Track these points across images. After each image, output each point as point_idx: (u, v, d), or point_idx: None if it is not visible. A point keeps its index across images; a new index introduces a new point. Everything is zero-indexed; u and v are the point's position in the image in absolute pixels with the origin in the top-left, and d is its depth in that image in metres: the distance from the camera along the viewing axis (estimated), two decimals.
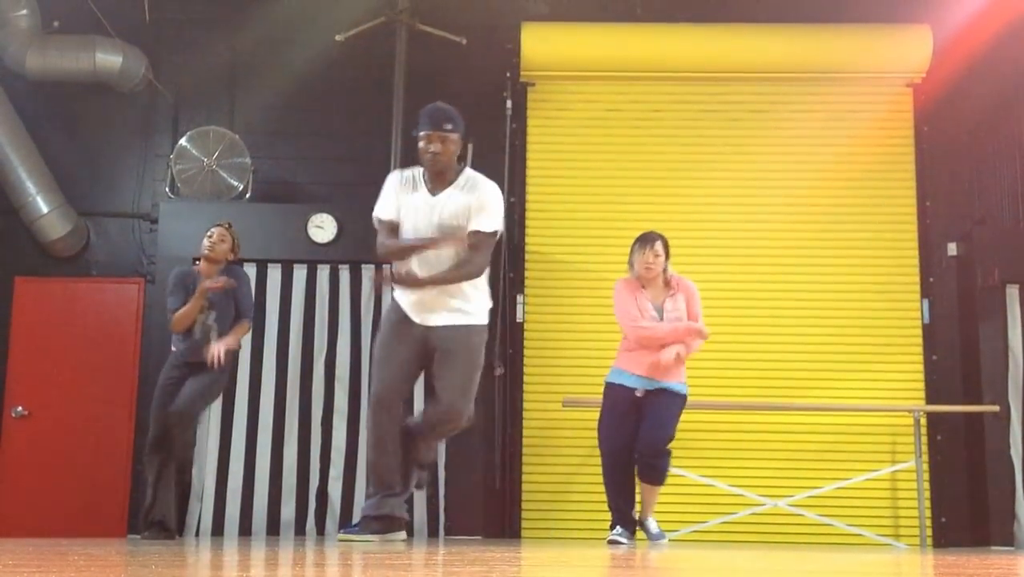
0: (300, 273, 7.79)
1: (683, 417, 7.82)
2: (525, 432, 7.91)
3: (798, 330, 8.03)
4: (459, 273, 4.96)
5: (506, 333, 7.91)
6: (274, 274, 7.77)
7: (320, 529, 7.44)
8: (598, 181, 8.26)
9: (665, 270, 5.99)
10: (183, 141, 7.94)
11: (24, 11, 8.04)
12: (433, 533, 7.42)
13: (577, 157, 8.31)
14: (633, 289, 6.03)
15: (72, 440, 7.89)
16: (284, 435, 7.55)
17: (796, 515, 7.60)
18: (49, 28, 8.26)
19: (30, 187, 7.94)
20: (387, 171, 7.99)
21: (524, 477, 7.82)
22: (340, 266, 7.80)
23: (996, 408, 7.58)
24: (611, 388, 6.02)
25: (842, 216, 8.16)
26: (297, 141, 8.38)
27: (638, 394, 5.92)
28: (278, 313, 7.72)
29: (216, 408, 7.54)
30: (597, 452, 7.76)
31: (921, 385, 7.97)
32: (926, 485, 7.63)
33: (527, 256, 8.17)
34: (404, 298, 5.09)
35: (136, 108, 8.44)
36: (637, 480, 6.04)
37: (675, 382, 5.98)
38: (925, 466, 7.69)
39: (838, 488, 7.43)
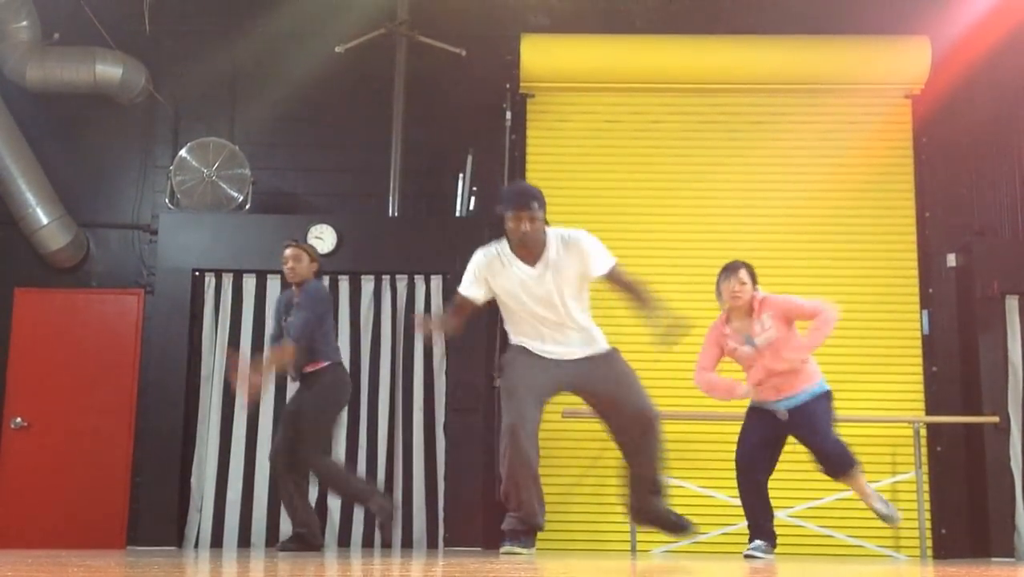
0: None
1: (683, 428, 7.88)
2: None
3: None
4: (648, 296, 5.21)
5: (505, 344, 7.88)
6: (273, 285, 7.77)
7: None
8: (597, 192, 8.26)
9: (754, 297, 5.84)
10: (183, 152, 7.95)
11: (24, 23, 8.06)
12: (432, 545, 7.41)
13: (576, 168, 8.32)
14: (718, 328, 5.99)
15: (71, 451, 7.88)
16: None
17: (797, 526, 7.58)
18: (49, 40, 8.27)
19: (30, 198, 7.95)
20: (387, 182, 8.10)
21: None
22: (339, 277, 7.81)
23: (996, 419, 7.58)
24: (752, 411, 6.02)
25: (841, 227, 8.16)
26: (297, 152, 8.39)
27: (781, 417, 5.86)
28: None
29: (215, 419, 7.55)
30: (597, 463, 7.82)
31: (921, 396, 7.97)
32: (926, 496, 7.62)
33: None
34: (532, 344, 5.19)
35: (136, 119, 8.45)
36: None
37: (809, 386, 5.86)
38: (925, 477, 7.67)
39: (838, 499, 7.41)
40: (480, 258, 5.16)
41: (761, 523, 5.94)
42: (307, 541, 6.27)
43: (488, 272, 5.10)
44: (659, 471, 5.25)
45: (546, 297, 5.04)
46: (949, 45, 8.13)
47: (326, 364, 6.28)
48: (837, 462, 5.79)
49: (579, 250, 5.05)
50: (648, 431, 5.22)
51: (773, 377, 5.80)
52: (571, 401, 7.64)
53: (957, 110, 8.16)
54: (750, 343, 5.83)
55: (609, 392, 5.20)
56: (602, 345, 5.22)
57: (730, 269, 5.90)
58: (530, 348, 5.15)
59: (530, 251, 5.02)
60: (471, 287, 5.15)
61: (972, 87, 8.13)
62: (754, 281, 5.88)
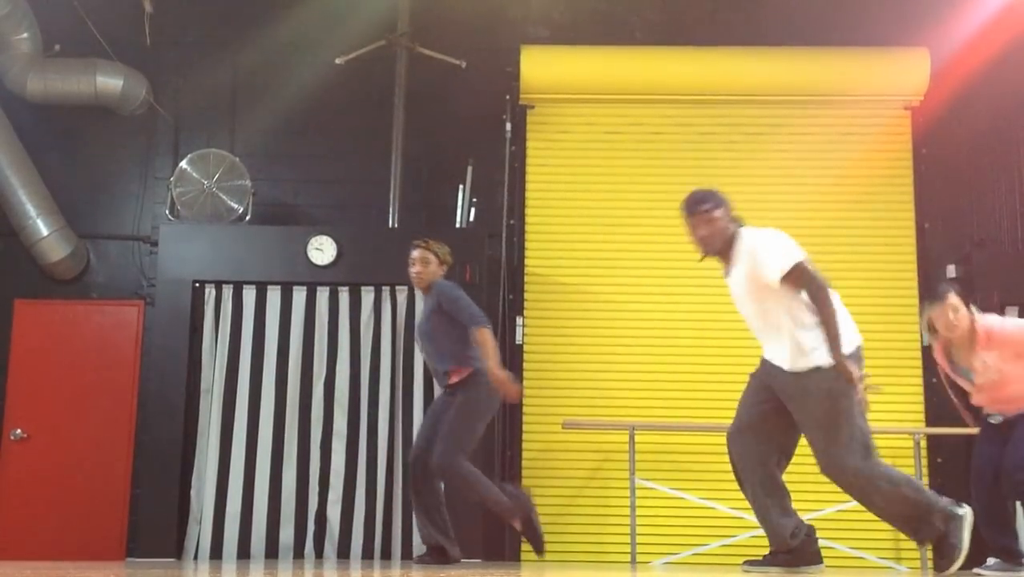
0: (299, 296, 7.78)
1: (683, 439, 7.87)
2: (524, 454, 7.90)
3: None
4: (826, 310, 4.58)
5: (505, 355, 7.89)
6: (273, 297, 7.77)
7: (319, 552, 7.41)
8: (597, 203, 8.28)
9: (973, 322, 5.27)
10: (183, 164, 7.95)
11: (25, 35, 8.07)
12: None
13: (576, 179, 8.33)
14: (937, 351, 5.51)
15: (71, 462, 7.87)
16: (283, 458, 7.53)
17: None
18: (50, 52, 8.29)
19: (30, 209, 7.96)
20: (387, 193, 8.11)
21: None
22: (340, 288, 7.80)
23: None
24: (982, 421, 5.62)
25: (841, 238, 8.16)
26: (297, 164, 8.40)
27: (993, 421, 5.46)
28: (277, 335, 7.71)
29: (215, 430, 7.54)
30: (597, 474, 7.82)
31: (921, 407, 7.96)
32: None
33: (526, 278, 8.18)
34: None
35: (137, 131, 8.46)
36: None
37: None
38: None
39: (839, 510, 7.39)
40: None
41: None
42: (446, 554, 5.99)
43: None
44: (900, 521, 4.65)
45: (739, 300, 4.80)
46: (948, 57, 8.15)
47: (473, 369, 5.86)
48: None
49: (750, 257, 4.65)
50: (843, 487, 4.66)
51: (996, 404, 5.42)
52: (570, 412, 7.69)
53: (956, 121, 8.18)
54: (967, 377, 5.41)
55: (798, 421, 4.70)
56: (809, 361, 4.59)
57: (937, 297, 5.33)
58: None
59: (724, 256, 4.77)
60: None
61: (971, 98, 8.14)
62: (967, 303, 5.30)
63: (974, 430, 7.58)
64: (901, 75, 8.30)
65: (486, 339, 5.73)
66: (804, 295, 4.60)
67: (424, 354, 6.15)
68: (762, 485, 4.81)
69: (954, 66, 8.13)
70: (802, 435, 4.84)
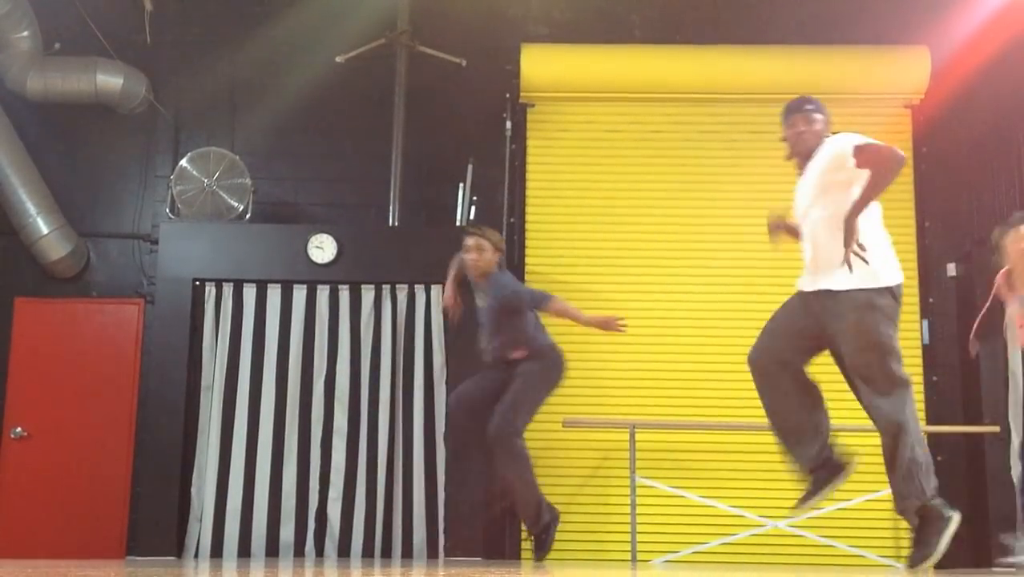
0: (300, 294, 7.79)
1: (684, 437, 7.87)
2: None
3: None
4: (885, 169, 4.46)
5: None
6: (274, 295, 7.78)
7: (319, 551, 7.42)
8: (597, 201, 8.27)
9: None
10: (183, 162, 7.95)
11: (25, 33, 8.07)
12: (433, 554, 7.40)
13: (576, 177, 8.33)
14: (998, 283, 5.65)
15: (71, 461, 7.87)
16: (283, 456, 7.54)
17: (797, 536, 7.56)
18: (50, 50, 8.29)
19: (30, 208, 7.95)
20: (387, 191, 8.11)
21: None
22: (340, 287, 7.81)
23: (996, 429, 7.56)
24: None
25: None
26: (297, 162, 8.40)
27: None
28: (278, 334, 7.72)
29: (215, 429, 7.55)
30: (597, 472, 7.81)
31: (921, 406, 7.95)
32: None
33: (527, 275, 8.17)
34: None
35: (137, 129, 8.46)
36: None
37: None
38: None
39: (839, 509, 7.40)
40: None
41: None
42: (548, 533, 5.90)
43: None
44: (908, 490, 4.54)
45: (803, 205, 4.77)
46: (949, 55, 8.14)
47: (540, 345, 5.92)
48: None
49: (826, 152, 4.66)
50: (887, 439, 4.55)
51: None
52: (571, 410, 7.68)
53: (957, 120, 8.17)
54: None
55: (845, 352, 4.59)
56: (863, 281, 4.55)
57: (1010, 224, 5.56)
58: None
59: (803, 157, 4.81)
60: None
61: (972, 97, 8.13)
62: None
63: (975, 429, 7.61)
64: (901, 73, 8.29)
65: (564, 306, 5.87)
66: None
67: (486, 341, 6.09)
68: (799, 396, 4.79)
69: (954, 64, 8.11)
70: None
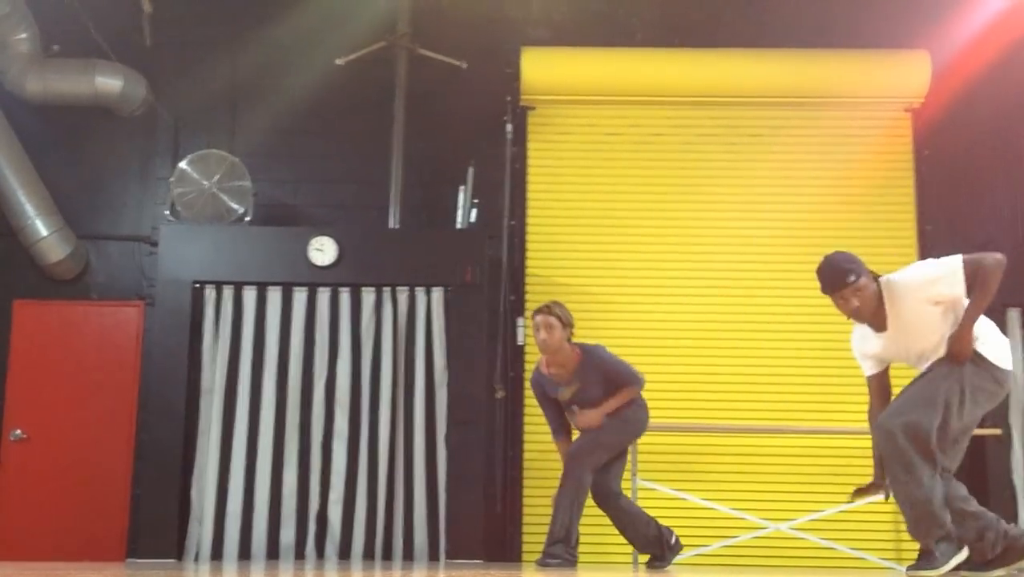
0: (300, 296, 7.78)
1: (685, 440, 7.87)
2: (526, 455, 7.89)
3: (799, 353, 8.02)
4: (990, 276, 4.44)
5: (507, 356, 7.91)
6: (274, 297, 7.76)
7: (320, 553, 7.40)
8: (598, 204, 8.27)
9: None
10: (183, 164, 7.94)
11: (24, 35, 8.06)
12: (434, 556, 7.38)
13: (577, 180, 8.33)
14: None
15: (71, 463, 7.85)
16: (284, 458, 7.53)
17: (798, 539, 7.56)
18: (49, 52, 8.28)
19: (29, 210, 7.94)
20: (387, 194, 8.10)
21: (525, 500, 7.80)
22: (340, 289, 7.79)
23: (998, 431, 7.58)
24: None
25: (842, 241, 8.08)
26: (298, 164, 8.39)
27: None
28: (278, 336, 7.71)
29: (216, 431, 7.53)
30: None
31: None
32: None
33: (527, 279, 8.17)
34: None
35: (136, 131, 8.45)
36: None
37: None
38: None
39: (840, 511, 7.40)
40: (855, 334, 4.82)
41: None
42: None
43: (864, 343, 4.77)
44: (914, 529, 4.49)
45: (905, 354, 4.68)
46: (949, 59, 8.17)
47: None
48: None
49: (911, 287, 4.53)
50: (881, 446, 4.55)
51: None
52: None
53: (957, 123, 8.18)
54: None
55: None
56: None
57: None
58: None
59: (876, 318, 4.63)
60: (863, 366, 4.86)
61: (972, 100, 8.15)
62: None
63: (976, 431, 7.58)
64: (902, 77, 8.30)
65: (627, 393, 5.79)
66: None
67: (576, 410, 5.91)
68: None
69: (955, 68, 8.14)
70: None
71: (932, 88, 8.21)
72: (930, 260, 4.68)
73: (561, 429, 5.90)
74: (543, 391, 5.89)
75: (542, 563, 5.69)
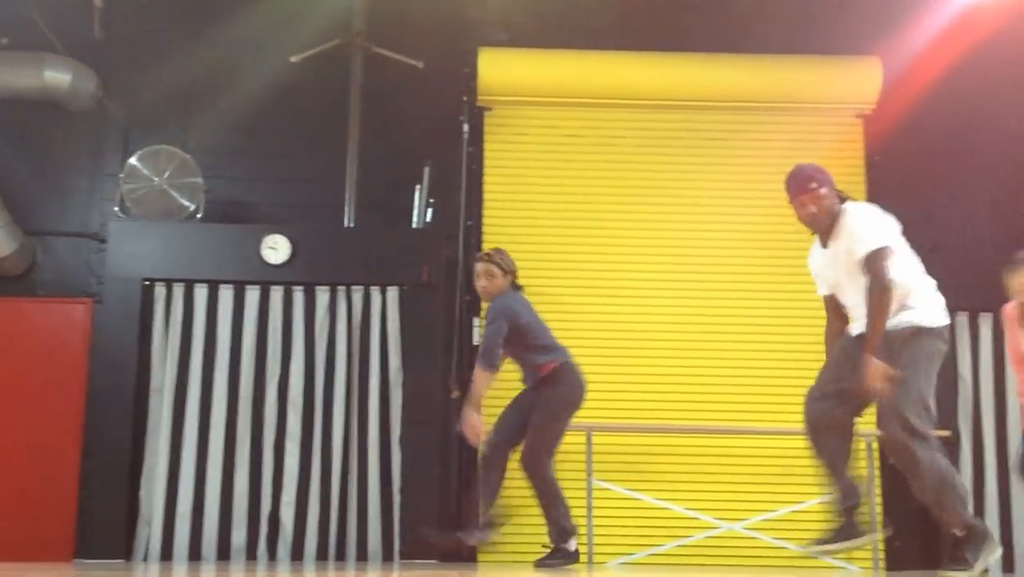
0: (253, 295, 7.70)
1: (639, 440, 7.88)
2: (481, 455, 7.84)
3: (754, 354, 8.07)
4: (877, 305, 4.60)
5: (462, 356, 7.87)
6: (226, 295, 7.68)
7: (272, 554, 7.32)
8: (555, 206, 8.28)
9: None
10: (133, 160, 7.83)
11: None
12: (388, 557, 7.34)
13: (534, 182, 8.33)
14: (1012, 321, 5.83)
15: (17, 462, 7.67)
16: (235, 459, 7.45)
17: (751, 538, 7.61)
18: None
19: None
20: (342, 192, 8.04)
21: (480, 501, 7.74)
22: (294, 288, 7.73)
23: (947, 433, 7.66)
24: None
25: (798, 243, 8.14)
26: (251, 161, 8.30)
27: None
28: (230, 335, 7.64)
29: (165, 431, 7.43)
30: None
31: (873, 410, 8.02)
32: (879, 509, 7.69)
33: None
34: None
35: (86, 126, 8.30)
36: None
37: None
38: (878, 490, 7.74)
39: (793, 511, 7.46)
40: (809, 257, 5.02)
41: None
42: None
43: (814, 259, 4.95)
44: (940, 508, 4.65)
45: (833, 274, 4.81)
46: (900, 67, 8.25)
47: (560, 363, 5.84)
48: None
49: (847, 233, 4.72)
50: (884, 439, 4.71)
51: None
52: None
53: (909, 130, 8.28)
54: None
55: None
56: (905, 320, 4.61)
57: (1017, 262, 5.74)
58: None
59: (828, 231, 4.79)
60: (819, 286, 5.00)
61: (923, 108, 8.25)
62: None
63: None
64: (853, 83, 8.40)
65: (478, 377, 5.70)
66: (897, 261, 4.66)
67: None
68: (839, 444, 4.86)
69: (906, 76, 8.24)
70: None
71: (883, 95, 8.31)
72: (875, 216, 4.79)
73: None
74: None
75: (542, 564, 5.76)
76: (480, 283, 5.93)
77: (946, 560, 4.65)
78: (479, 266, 5.94)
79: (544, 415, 5.77)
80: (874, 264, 4.62)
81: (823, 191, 4.77)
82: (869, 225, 4.73)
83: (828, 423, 4.84)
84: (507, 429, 5.91)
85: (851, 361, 4.70)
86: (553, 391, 5.79)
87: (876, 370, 4.52)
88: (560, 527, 5.81)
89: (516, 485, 6.47)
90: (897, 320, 4.62)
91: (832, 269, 4.83)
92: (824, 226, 4.81)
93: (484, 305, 6.15)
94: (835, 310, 4.98)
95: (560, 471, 7.80)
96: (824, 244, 4.87)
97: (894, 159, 8.34)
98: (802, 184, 4.80)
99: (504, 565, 7.20)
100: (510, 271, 5.96)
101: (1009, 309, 5.89)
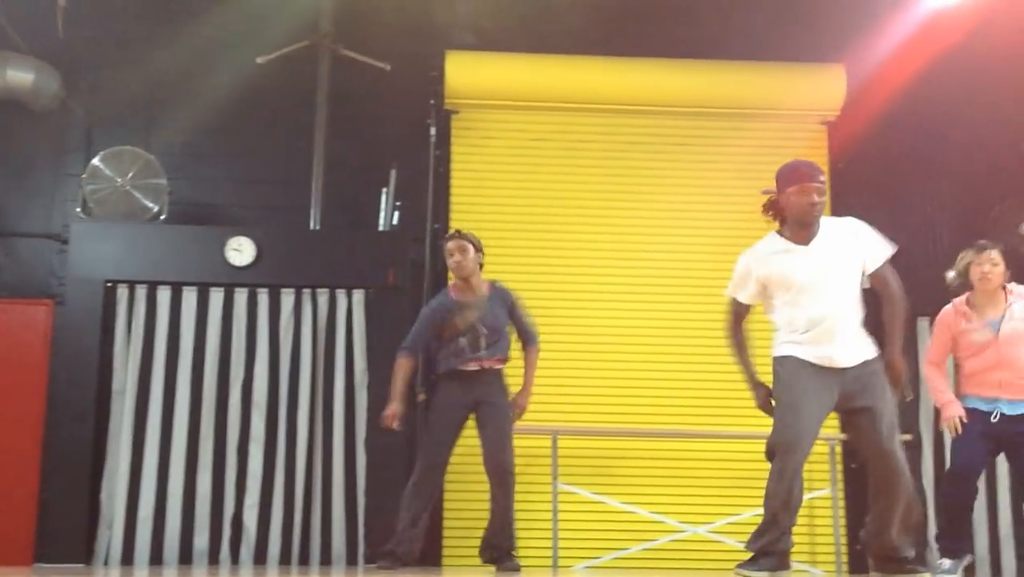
0: (217, 297, 7.65)
1: (605, 444, 7.89)
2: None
3: (719, 358, 8.05)
4: (904, 311, 4.82)
5: (428, 359, 7.81)
6: (189, 297, 7.62)
7: (234, 558, 7.26)
8: (522, 209, 8.28)
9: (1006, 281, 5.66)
10: (96, 160, 7.75)
11: None
12: (352, 561, 7.29)
13: (502, 184, 8.33)
14: (953, 312, 5.75)
15: None
16: (198, 461, 7.39)
17: (716, 541, 7.63)
18: None
19: None
20: (308, 194, 8.00)
21: (445, 503, 7.72)
22: (258, 290, 7.68)
23: (908, 437, 7.71)
24: (972, 412, 5.68)
25: None
26: (216, 163, 8.25)
27: (993, 420, 5.61)
28: (193, 337, 7.58)
29: (127, 434, 7.36)
30: (519, 478, 7.66)
31: (835, 415, 8.07)
32: (841, 512, 7.75)
33: (451, 282, 8.11)
34: (806, 349, 4.74)
35: (49, 126, 8.21)
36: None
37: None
38: (840, 494, 7.80)
39: (757, 515, 7.45)
40: (748, 255, 4.91)
41: (966, 539, 5.78)
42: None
43: (760, 265, 4.81)
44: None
45: (806, 281, 4.68)
46: (865, 74, 8.31)
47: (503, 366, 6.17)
48: None
49: (854, 231, 4.73)
50: (894, 461, 4.78)
51: (1001, 369, 5.60)
52: None
53: (873, 138, 8.35)
54: (992, 327, 5.63)
55: (874, 406, 4.70)
56: (871, 351, 4.74)
57: (982, 247, 5.70)
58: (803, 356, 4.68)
59: (812, 227, 4.72)
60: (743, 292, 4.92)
61: (888, 116, 8.31)
62: (1006, 264, 5.68)
63: None
64: (818, 91, 8.47)
65: (533, 359, 6.26)
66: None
67: (483, 346, 6.11)
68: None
69: (871, 84, 8.30)
70: None
71: (848, 102, 8.39)
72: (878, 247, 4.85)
73: (416, 347, 6.18)
74: (437, 316, 6.11)
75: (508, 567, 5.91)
76: (455, 258, 6.10)
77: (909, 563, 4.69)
78: (452, 243, 6.13)
79: (508, 416, 6.09)
80: (891, 269, 4.73)
81: (824, 187, 4.75)
82: (875, 233, 4.78)
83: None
84: (448, 451, 6.19)
85: (829, 393, 4.70)
86: (503, 390, 6.12)
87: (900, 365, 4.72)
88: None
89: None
90: (866, 349, 4.72)
91: (807, 271, 4.69)
92: (814, 221, 4.73)
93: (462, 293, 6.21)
94: (741, 320, 5.02)
95: (526, 475, 7.84)
96: (802, 241, 4.75)
97: (858, 166, 8.41)
98: (815, 171, 4.73)
99: (470, 569, 7.18)
100: (481, 249, 6.18)
101: (959, 305, 5.81)
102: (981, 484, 7.85)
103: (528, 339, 6.28)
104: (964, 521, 5.75)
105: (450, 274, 6.38)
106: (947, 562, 5.66)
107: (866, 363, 4.72)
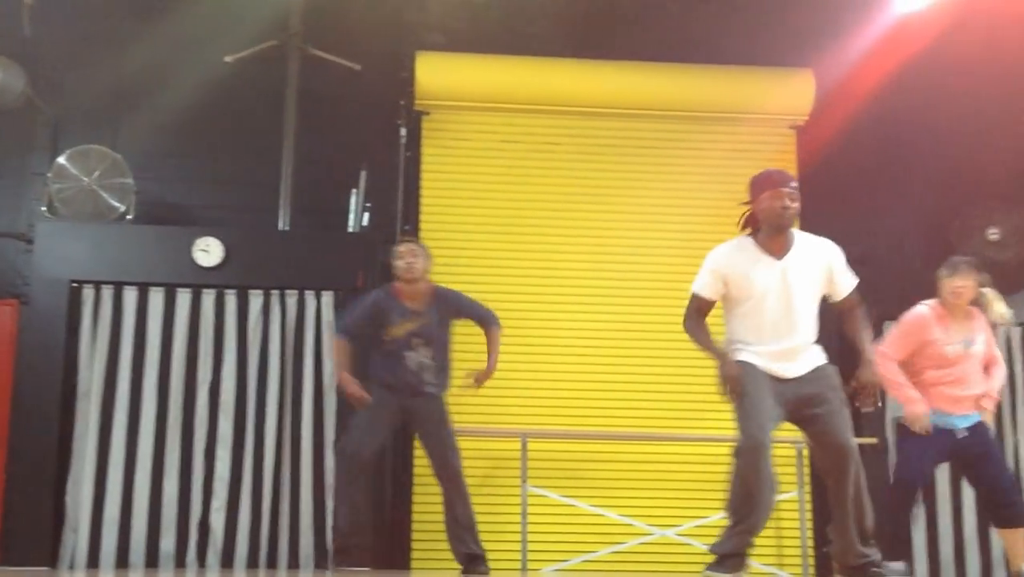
0: (184, 298, 7.59)
1: (574, 447, 7.90)
2: (415, 461, 7.80)
3: (687, 362, 8.07)
4: (868, 330, 4.98)
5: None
6: (156, 298, 7.56)
7: (201, 561, 7.21)
8: (493, 211, 8.28)
9: (977, 300, 5.73)
10: (61, 159, 7.68)
11: None
12: (321, 565, 7.25)
13: (472, 186, 8.32)
14: (926, 318, 5.75)
15: None
16: (165, 463, 7.33)
17: (684, 544, 7.65)
18: None
19: None
20: (277, 195, 7.95)
21: (414, 507, 7.71)
22: (226, 291, 7.63)
23: (874, 440, 7.80)
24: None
25: None
26: (183, 162, 8.18)
27: (959, 436, 5.64)
28: (160, 338, 7.51)
29: (92, 435, 7.29)
30: (487, 481, 7.75)
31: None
32: (808, 515, 7.79)
33: None
34: (763, 361, 4.76)
35: (14, 125, 8.10)
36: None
37: (984, 414, 5.73)
38: (807, 497, 7.84)
39: (721, 518, 7.50)
40: (719, 252, 4.91)
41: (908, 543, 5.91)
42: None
43: (728, 266, 4.81)
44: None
45: (775, 291, 4.72)
46: (833, 79, 8.36)
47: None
48: (1016, 506, 5.57)
49: (828, 252, 4.87)
50: (851, 465, 4.79)
51: (961, 386, 5.64)
52: (463, 418, 7.61)
53: (841, 142, 8.38)
54: (964, 343, 5.66)
55: (830, 411, 4.74)
56: (822, 357, 4.87)
57: (955, 265, 5.74)
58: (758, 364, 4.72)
59: (785, 237, 4.76)
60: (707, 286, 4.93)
61: (857, 121, 8.34)
62: (978, 285, 5.73)
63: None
64: (786, 95, 8.50)
65: (495, 337, 6.23)
66: None
67: (425, 360, 6.13)
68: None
69: (840, 89, 8.34)
70: None
71: (816, 107, 8.43)
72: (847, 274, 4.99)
73: (352, 334, 6.20)
74: (375, 312, 6.11)
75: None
76: (406, 260, 6.10)
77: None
78: (404, 246, 6.19)
79: (445, 419, 6.18)
80: (855, 294, 4.92)
81: (797, 193, 4.79)
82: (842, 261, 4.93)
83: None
84: (374, 443, 6.17)
85: (782, 398, 4.78)
86: (442, 402, 6.19)
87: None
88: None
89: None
90: (817, 357, 4.85)
91: (772, 284, 4.73)
92: (786, 228, 4.77)
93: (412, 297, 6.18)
94: (705, 315, 5.05)
95: (495, 477, 7.86)
96: (774, 253, 4.79)
97: (826, 171, 8.43)
98: (788, 178, 4.80)
99: (439, 573, 7.16)
100: (430, 258, 6.24)
101: (938, 310, 5.81)
102: (944, 489, 8.04)
103: (488, 322, 6.29)
104: (907, 528, 5.90)
105: None
106: (899, 564, 5.71)
107: (817, 368, 4.82)
